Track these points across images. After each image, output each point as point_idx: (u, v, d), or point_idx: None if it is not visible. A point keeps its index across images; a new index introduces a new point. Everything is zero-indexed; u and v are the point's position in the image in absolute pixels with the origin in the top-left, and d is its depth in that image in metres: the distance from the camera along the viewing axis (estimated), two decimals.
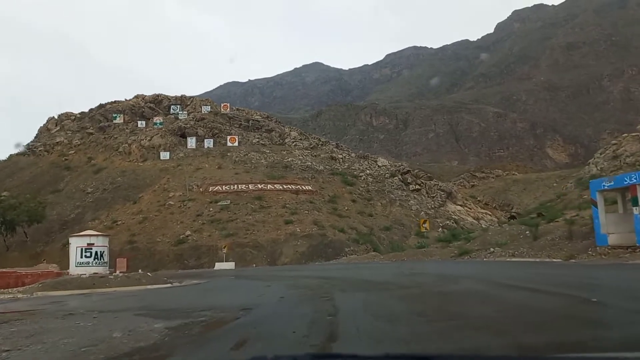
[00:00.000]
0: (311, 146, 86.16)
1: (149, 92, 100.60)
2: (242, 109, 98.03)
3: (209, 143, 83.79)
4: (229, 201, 67.16)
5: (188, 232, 60.33)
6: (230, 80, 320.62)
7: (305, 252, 55.83)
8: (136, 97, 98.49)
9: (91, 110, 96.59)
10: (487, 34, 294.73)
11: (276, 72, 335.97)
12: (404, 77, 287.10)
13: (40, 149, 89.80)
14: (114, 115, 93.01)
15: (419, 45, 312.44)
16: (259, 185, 71.41)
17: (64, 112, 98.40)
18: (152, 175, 77.59)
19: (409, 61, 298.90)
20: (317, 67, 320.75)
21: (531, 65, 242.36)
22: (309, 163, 79.37)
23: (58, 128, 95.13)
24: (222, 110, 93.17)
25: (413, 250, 37.17)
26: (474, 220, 72.24)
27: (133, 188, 74.48)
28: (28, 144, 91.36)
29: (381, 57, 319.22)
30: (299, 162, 79.55)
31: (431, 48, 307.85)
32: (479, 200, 79.59)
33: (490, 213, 75.91)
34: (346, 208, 68.49)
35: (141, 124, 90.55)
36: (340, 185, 75.00)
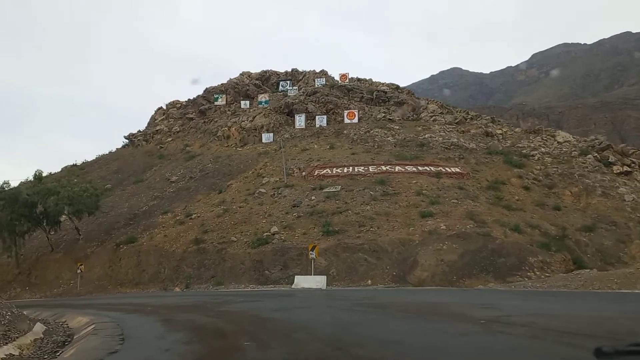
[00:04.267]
0: (456, 121, 59.70)
1: None
2: (365, 80, 74.44)
3: (321, 121, 61.25)
4: (340, 187, 43.95)
5: (275, 229, 37.98)
6: None
7: (457, 263, 30.47)
8: (241, 74, 79.48)
9: (198, 96, 79.84)
10: None
11: (412, 80, 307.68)
12: (553, 77, 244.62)
13: (139, 138, 74.64)
14: (216, 96, 74.54)
15: (569, 42, 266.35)
16: (383, 167, 47.34)
17: (171, 100, 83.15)
18: (249, 160, 57.16)
19: (559, 59, 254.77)
20: (455, 72, 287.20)
21: None
22: (455, 140, 53.32)
23: (164, 117, 79.65)
24: (339, 81, 70.37)
25: None
26: None
27: (223, 175, 54.48)
28: (128, 135, 76.88)
29: (526, 58, 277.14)
30: (440, 139, 53.89)
31: (585, 44, 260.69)
32: None
33: None
34: (516, 198, 41.75)
35: (244, 104, 70.77)
36: (502, 167, 48.06)
